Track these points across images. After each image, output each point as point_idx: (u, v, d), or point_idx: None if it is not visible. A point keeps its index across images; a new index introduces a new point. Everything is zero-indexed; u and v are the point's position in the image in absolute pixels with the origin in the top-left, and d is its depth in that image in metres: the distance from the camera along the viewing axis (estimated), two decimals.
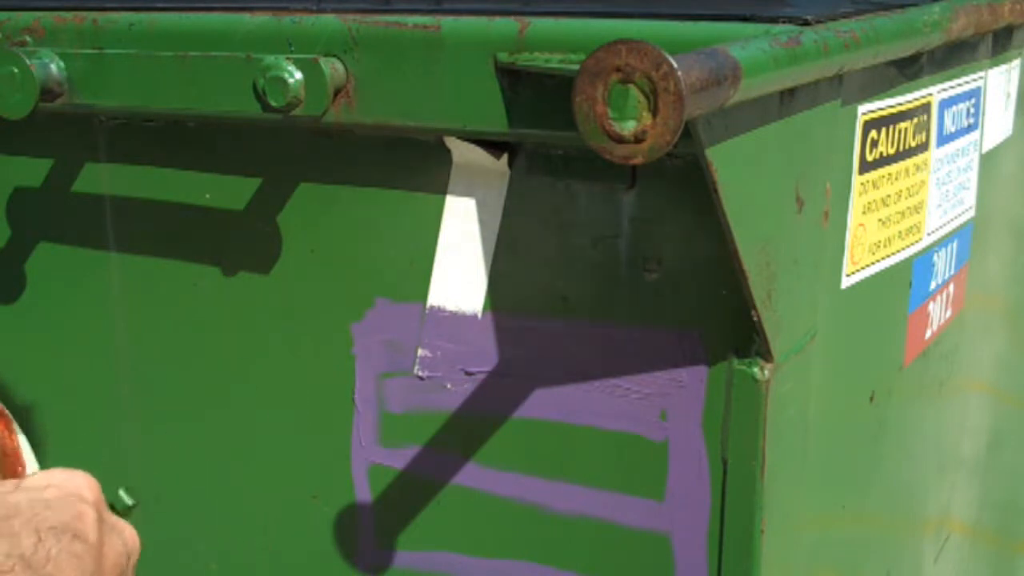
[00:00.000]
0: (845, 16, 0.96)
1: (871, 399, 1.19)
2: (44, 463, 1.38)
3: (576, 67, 0.72)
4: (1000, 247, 1.61)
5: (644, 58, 0.69)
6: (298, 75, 0.99)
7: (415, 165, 1.07)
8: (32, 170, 1.29)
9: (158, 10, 1.12)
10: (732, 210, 0.83)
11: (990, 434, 1.74)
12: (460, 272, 1.08)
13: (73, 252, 1.29)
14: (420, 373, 1.12)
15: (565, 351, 1.05)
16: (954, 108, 1.26)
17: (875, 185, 1.10)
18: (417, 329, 1.11)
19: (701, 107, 0.70)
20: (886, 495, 1.31)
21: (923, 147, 1.19)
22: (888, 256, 1.15)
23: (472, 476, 1.11)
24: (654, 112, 0.69)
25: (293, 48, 1.02)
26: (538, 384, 1.06)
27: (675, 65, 0.68)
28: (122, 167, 1.23)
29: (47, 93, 1.08)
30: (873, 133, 1.08)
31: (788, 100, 0.89)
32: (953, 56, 1.23)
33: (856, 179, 1.07)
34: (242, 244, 1.18)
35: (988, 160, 1.41)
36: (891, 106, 1.10)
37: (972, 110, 1.32)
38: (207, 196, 1.19)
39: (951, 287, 1.36)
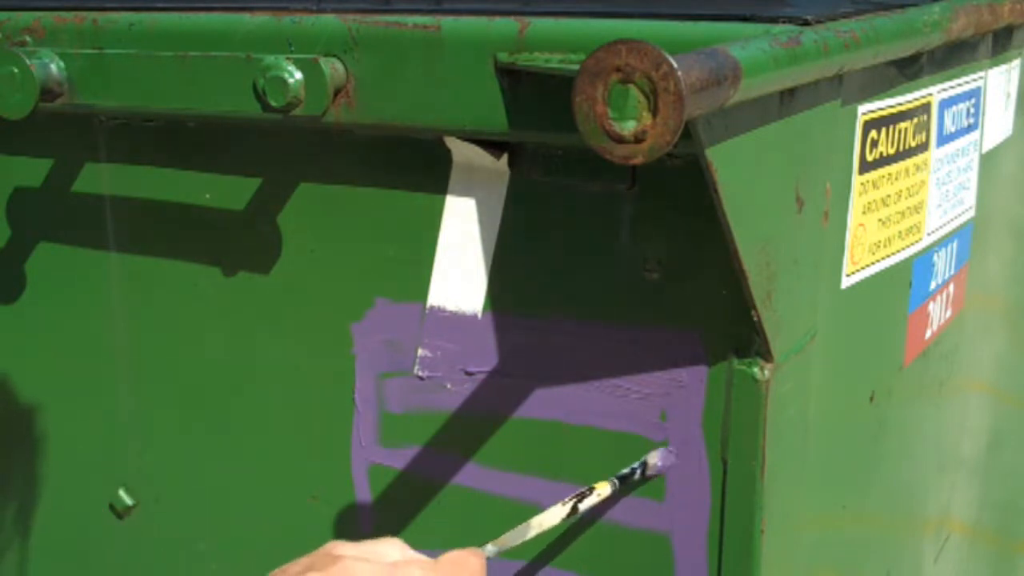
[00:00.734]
0: (845, 16, 0.96)
1: (871, 399, 1.19)
2: (44, 463, 1.38)
3: (576, 67, 0.72)
4: (1000, 247, 1.61)
5: (644, 58, 0.69)
6: (298, 75, 0.99)
7: (415, 165, 1.07)
8: (32, 170, 1.29)
9: (158, 10, 1.12)
10: (732, 210, 0.83)
11: (990, 434, 1.74)
12: (460, 272, 1.08)
13: (73, 252, 1.29)
14: (420, 373, 1.12)
15: (565, 351, 1.05)
16: (954, 108, 1.26)
17: (875, 185, 1.10)
18: (417, 329, 1.11)
19: (701, 107, 0.70)
20: (886, 495, 1.31)
21: (923, 147, 1.19)
22: (888, 256, 1.15)
23: (472, 476, 1.11)
24: (654, 112, 0.69)
25: (293, 48, 1.02)
26: (538, 384, 1.06)
27: (675, 65, 0.68)
28: (122, 167, 1.23)
29: (47, 93, 1.08)
30: (873, 133, 1.08)
31: (788, 100, 0.89)
32: (953, 56, 1.23)
33: (856, 179, 1.07)
34: (242, 244, 1.18)
35: (988, 160, 1.41)
36: (891, 106, 1.10)
37: (972, 110, 1.32)
38: (207, 196, 1.19)
39: (951, 287, 1.36)
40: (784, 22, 0.90)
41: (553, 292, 1.04)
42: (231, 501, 1.26)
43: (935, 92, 1.20)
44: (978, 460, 1.70)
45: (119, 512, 1.33)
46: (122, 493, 1.32)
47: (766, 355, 0.95)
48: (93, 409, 1.32)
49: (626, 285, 1.01)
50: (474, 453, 1.11)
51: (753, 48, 0.76)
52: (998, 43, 1.39)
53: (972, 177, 1.35)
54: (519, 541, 0.99)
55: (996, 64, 1.40)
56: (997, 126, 1.45)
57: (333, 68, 1.00)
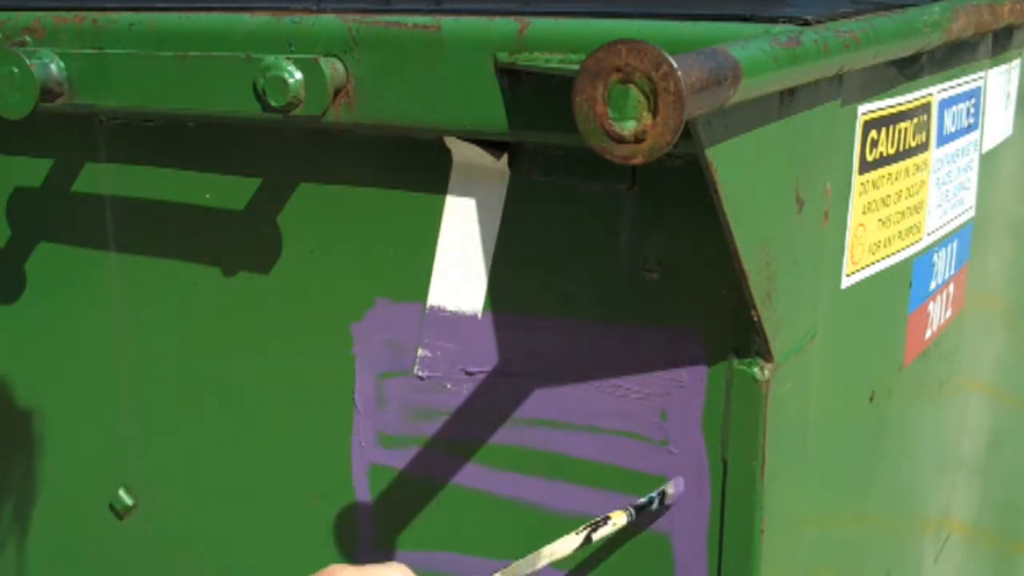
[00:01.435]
0: (845, 16, 0.96)
1: (871, 399, 1.19)
2: (44, 463, 1.38)
3: (576, 67, 0.72)
4: (1000, 247, 1.61)
5: (644, 58, 0.69)
6: (298, 75, 0.99)
7: (415, 165, 1.07)
8: (32, 170, 1.29)
9: (158, 10, 1.12)
10: (732, 210, 0.83)
11: (990, 434, 1.74)
12: (460, 272, 1.08)
13: (73, 252, 1.29)
14: (420, 373, 1.12)
15: (565, 351, 1.05)
16: (954, 108, 1.26)
17: (875, 185, 1.10)
18: (417, 329, 1.11)
19: (701, 107, 0.70)
20: (886, 495, 1.31)
21: (923, 147, 1.19)
22: (888, 256, 1.15)
23: (472, 476, 1.11)
24: (654, 112, 0.69)
25: (293, 48, 1.02)
26: (538, 384, 1.06)
27: (675, 65, 0.68)
28: (122, 167, 1.23)
29: (47, 93, 1.08)
30: (873, 133, 1.08)
31: (788, 100, 0.89)
32: (953, 56, 1.23)
33: (856, 179, 1.07)
34: (242, 244, 1.18)
35: (988, 160, 1.41)
36: (891, 106, 1.10)
37: (972, 110, 1.32)
38: (207, 196, 1.19)
39: (951, 287, 1.36)
40: (784, 22, 0.90)
41: (553, 292, 1.04)
42: (231, 501, 1.26)
43: (935, 92, 1.20)
44: (978, 460, 1.70)
45: (119, 512, 1.33)
46: (122, 493, 1.32)
47: (766, 355, 0.95)
48: (93, 409, 1.32)
49: (626, 285, 1.01)
50: (474, 453, 1.11)
51: (753, 48, 0.76)
52: (998, 43, 1.39)
53: (972, 177, 1.35)
54: (530, 571, 0.97)
55: (996, 64, 1.40)
56: (997, 126, 1.45)
57: (333, 68, 1.00)
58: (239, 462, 1.24)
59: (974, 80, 1.31)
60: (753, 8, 0.99)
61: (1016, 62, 1.50)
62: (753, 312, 0.91)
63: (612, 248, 1.01)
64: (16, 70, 1.07)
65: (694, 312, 0.99)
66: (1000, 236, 1.59)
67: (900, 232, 1.17)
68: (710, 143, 0.79)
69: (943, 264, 1.31)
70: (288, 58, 0.99)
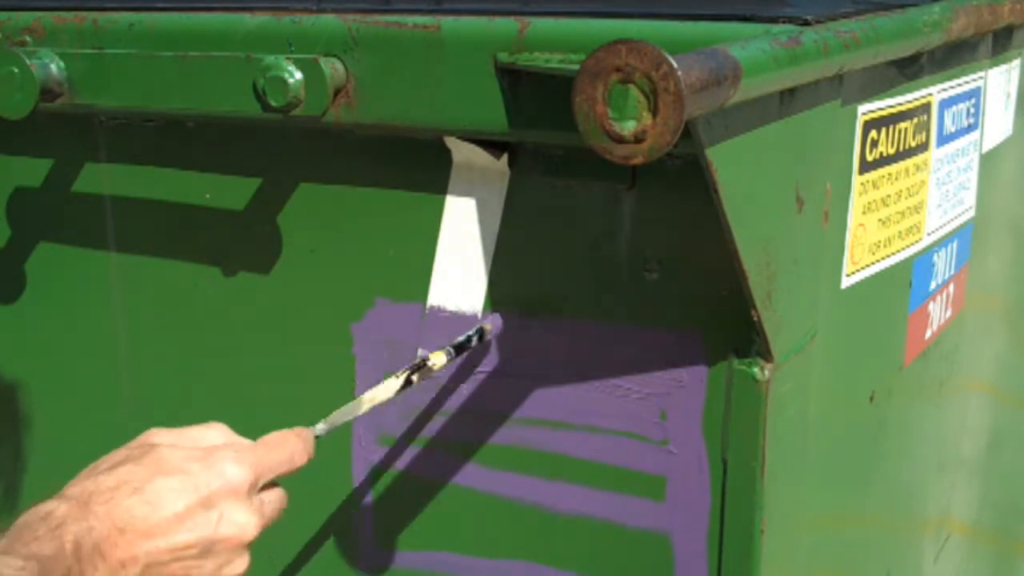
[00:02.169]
0: (845, 16, 0.96)
1: (871, 399, 1.19)
2: (43, 462, 1.38)
3: (576, 67, 0.72)
4: (1000, 247, 1.61)
5: (644, 58, 0.69)
6: (298, 75, 0.99)
7: (415, 165, 1.07)
8: (32, 170, 1.29)
9: (158, 10, 1.12)
10: (732, 210, 0.83)
11: (990, 434, 1.74)
12: (460, 272, 1.08)
13: (73, 252, 1.29)
14: None
15: (565, 351, 1.05)
16: (954, 108, 1.26)
17: (875, 185, 1.10)
18: (417, 329, 1.11)
19: (701, 107, 0.70)
20: (886, 495, 1.31)
21: (923, 147, 1.19)
22: (888, 256, 1.15)
23: (472, 476, 1.11)
24: (654, 112, 0.69)
25: (293, 48, 1.02)
26: (538, 384, 1.06)
27: (675, 65, 0.68)
28: (122, 167, 1.23)
29: (47, 93, 1.08)
30: (873, 133, 1.08)
31: (788, 100, 0.89)
32: (953, 56, 1.23)
33: (856, 179, 1.07)
34: (242, 244, 1.18)
35: (988, 160, 1.41)
36: (891, 106, 1.10)
37: (972, 110, 1.32)
38: (207, 196, 1.19)
39: (951, 287, 1.36)
40: (784, 22, 0.90)
41: (553, 292, 1.04)
42: None
43: (935, 92, 1.20)
44: (978, 460, 1.70)
45: None
46: None
47: (766, 355, 0.95)
48: (93, 409, 1.32)
49: (626, 285, 1.01)
50: (474, 453, 1.11)
51: (753, 48, 0.76)
52: (998, 43, 1.39)
53: (972, 177, 1.35)
54: (350, 417, 0.97)
55: (996, 64, 1.40)
56: (997, 126, 1.44)
57: (333, 68, 1.00)
58: None
59: (974, 80, 1.31)
60: (753, 8, 0.99)
61: (1016, 62, 1.50)
62: (753, 312, 0.91)
63: (612, 248, 1.01)
64: (16, 70, 1.07)
65: (694, 312, 0.99)
66: (1000, 236, 1.59)
67: (900, 232, 1.17)
68: (710, 143, 0.79)
69: (943, 264, 1.31)
70: (288, 58, 0.99)
